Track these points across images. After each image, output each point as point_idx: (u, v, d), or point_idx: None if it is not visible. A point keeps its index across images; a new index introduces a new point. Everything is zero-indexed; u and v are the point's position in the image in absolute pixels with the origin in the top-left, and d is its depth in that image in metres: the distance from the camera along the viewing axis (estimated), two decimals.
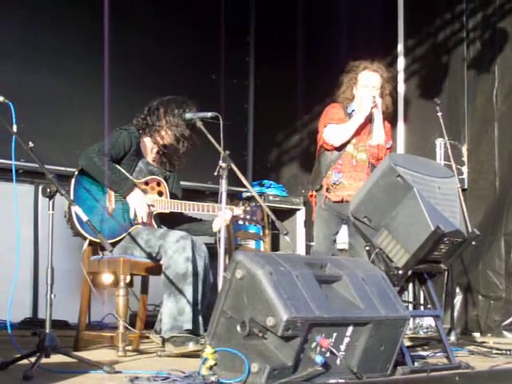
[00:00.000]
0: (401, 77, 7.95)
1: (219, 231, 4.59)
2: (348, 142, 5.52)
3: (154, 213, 4.99)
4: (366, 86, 5.52)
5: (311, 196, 5.69)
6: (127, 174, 4.94)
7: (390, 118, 5.82)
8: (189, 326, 4.60)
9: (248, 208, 5.11)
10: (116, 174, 4.85)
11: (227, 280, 3.50)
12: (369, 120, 5.56)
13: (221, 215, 4.54)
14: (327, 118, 5.57)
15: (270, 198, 8.12)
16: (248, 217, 5.14)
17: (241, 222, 5.21)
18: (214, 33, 8.69)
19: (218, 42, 8.74)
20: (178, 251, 4.67)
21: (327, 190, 5.52)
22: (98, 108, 7.52)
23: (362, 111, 5.49)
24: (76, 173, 4.84)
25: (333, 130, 5.51)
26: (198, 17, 8.49)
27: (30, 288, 6.99)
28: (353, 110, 5.58)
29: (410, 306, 6.48)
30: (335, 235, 5.61)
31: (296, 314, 3.28)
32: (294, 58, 8.75)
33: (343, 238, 5.92)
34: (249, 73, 9.13)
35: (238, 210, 5.10)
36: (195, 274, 4.68)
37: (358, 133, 5.53)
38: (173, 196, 5.15)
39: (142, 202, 4.90)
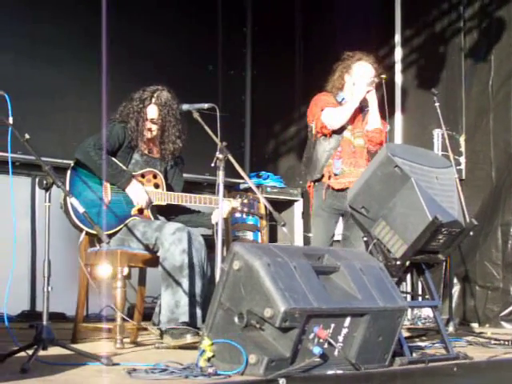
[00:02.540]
0: (398, 67, 7.93)
1: (217, 223, 4.58)
2: (345, 128, 5.46)
3: (151, 205, 4.98)
4: (362, 76, 5.48)
5: (309, 187, 5.58)
6: (123, 167, 4.93)
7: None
8: (185, 318, 4.60)
9: (245, 201, 5.11)
10: (113, 167, 4.85)
11: (225, 271, 3.49)
12: (359, 109, 5.52)
13: (220, 207, 4.53)
14: (322, 103, 5.50)
15: (268, 189, 8.11)
16: (246, 209, 5.14)
17: (238, 215, 5.20)
18: (211, 24, 8.67)
19: (215, 33, 8.73)
20: (174, 243, 4.67)
21: (329, 178, 5.43)
22: (94, 100, 7.49)
23: (359, 91, 5.45)
24: (72, 164, 4.84)
25: (330, 113, 5.45)
26: (194, 8, 8.47)
27: (27, 280, 6.98)
28: (343, 99, 5.54)
29: (408, 297, 6.49)
30: (333, 236, 5.53)
31: (294, 305, 3.28)
32: (292, 49, 8.73)
33: (338, 229, 5.84)
34: (246, 64, 9.12)
35: (236, 203, 5.10)
36: (191, 265, 4.68)
37: (351, 120, 5.48)
38: (170, 188, 5.14)
39: (141, 192, 4.90)
